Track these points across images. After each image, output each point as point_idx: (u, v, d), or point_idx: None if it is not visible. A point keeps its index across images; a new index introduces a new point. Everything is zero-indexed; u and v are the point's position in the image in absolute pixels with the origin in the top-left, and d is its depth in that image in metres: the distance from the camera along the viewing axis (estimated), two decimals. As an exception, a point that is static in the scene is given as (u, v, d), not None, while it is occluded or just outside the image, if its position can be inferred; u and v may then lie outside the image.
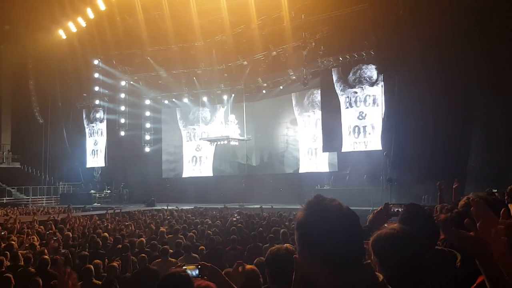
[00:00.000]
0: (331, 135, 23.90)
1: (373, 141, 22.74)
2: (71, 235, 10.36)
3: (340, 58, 23.67)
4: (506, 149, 15.41)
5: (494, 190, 8.15)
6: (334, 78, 24.19)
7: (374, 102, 22.92)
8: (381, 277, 1.39)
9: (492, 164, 16.02)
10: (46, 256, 6.87)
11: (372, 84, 23.04)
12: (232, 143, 27.62)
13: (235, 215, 14.68)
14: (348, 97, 23.71)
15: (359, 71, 23.38)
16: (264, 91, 28.29)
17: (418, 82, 18.11)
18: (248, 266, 3.69)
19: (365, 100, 23.20)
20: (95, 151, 33.57)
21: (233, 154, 29.70)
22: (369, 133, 22.90)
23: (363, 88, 23.26)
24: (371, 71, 23.03)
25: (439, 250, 2.54)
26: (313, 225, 1.32)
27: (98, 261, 7.03)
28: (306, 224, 1.35)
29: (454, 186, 7.29)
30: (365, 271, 1.35)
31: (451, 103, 17.84)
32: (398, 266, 1.83)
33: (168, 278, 2.53)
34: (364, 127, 23.08)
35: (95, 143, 33.60)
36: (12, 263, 7.08)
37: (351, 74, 23.62)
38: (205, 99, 29.97)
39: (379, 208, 2.57)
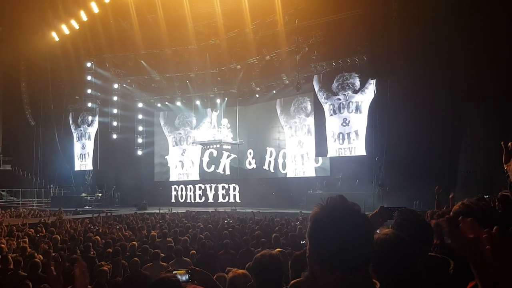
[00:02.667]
0: (324, 139, 23.99)
1: (357, 147, 22.95)
2: (61, 238, 10.29)
3: (333, 63, 23.77)
4: (497, 154, 15.48)
5: (485, 196, 8.20)
6: (317, 86, 24.36)
7: (357, 109, 23.07)
8: (378, 284, 1.39)
9: (483, 169, 16.13)
10: (37, 259, 6.81)
11: (356, 91, 23.20)
12: (225, 147, 27.62)
13: (227, 219, 14.67)
14: (332, 104, 23.82)
15: (342, 78, 23.53)
16: (257, 95, 28.30)
17: (410, 88, 18.23)
18: (239, 271, 3.68)
19: (348, 107, 23.33)
20: (82, 155, 33.28)
21: (226, 157, 29.67)
22: (353, 139, 23.07)
23: (346, 95, 23.39)
24: (354, 78, 23.21)
25: (432, 257, 2.54)
26: (327, 223, 1.34)
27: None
28: (320, 219, 1.36)
29: (450, 196, 7.43)
30: (364, 277, 1.35)
31: (443, 108, 18.00)
32: (390, 271, 1.83)
33: (158, 283, 2.50)
34: (348, 133, 23.23)
35: (83, 147, 33.31)
36: (1, 266, 7.00)
37: (334, 81, 23.76)
38: (198, 102, 29.93)
39: (374, 211, 2.57)
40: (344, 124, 23.41)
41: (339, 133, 23.47)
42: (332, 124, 23.82)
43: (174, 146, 31.30)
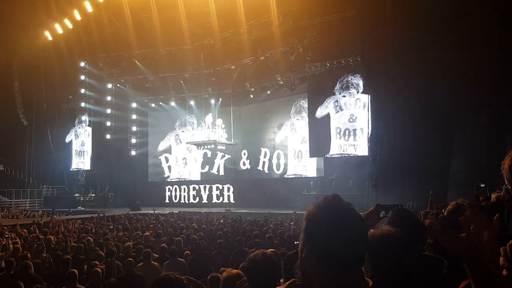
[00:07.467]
0: (318, 140, 23.98)
1: (361, 145, 22.89)
2: (54, 239, 10.23)
3: (327, 64, 23.80)
4: (489, 155, 15.61)
5: (482, 185, 8.29)
6: (324, 85, 24.23)
7: (364, 106, 22.97)
8: (370, 282, 1.40)
9: (475, 170, 16.20)
10: (29, 260, 6.77)
11: (359, 91, 23.14)
12: (219, 147, 27.59)
13: (221, 220, 14.67)
14: (337, 101, 23.70)
15: (345, 79, 23.46)
16: (251, 96, 28.33)
17: (403, 89, 18.29)
18: (233, 271, 3.68)
19: (355, 104, 23.26)
20: (81, 152, 33.05)
21: (220, 158, 29.65)
22: (359, 137, 22.99)
23: (351, 93, 23.30)
24: (357, 79, 23.15)
25: (426, 256, 2.56)
26: (322, 221, 1.35)
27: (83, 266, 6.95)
28: (315, 217, 1.37)
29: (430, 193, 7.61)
30: (357, 275, 1.36)
31: (436, 109, 18.07)
32: (388, 266, 1.84)
33: (161, 282, 2.38)
34: (354, 130, 23.14)
35: (82, 144, 33.09)
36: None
37: (338, 82, 23.68)
38: (192, 103, 29.89)
39: (370, 209, 2.59)
40: (351, 120, 23.24)
41: (346, 129, 23.30)
42: (338, 120, 23.64)
43: (167, 147, 31.19)
